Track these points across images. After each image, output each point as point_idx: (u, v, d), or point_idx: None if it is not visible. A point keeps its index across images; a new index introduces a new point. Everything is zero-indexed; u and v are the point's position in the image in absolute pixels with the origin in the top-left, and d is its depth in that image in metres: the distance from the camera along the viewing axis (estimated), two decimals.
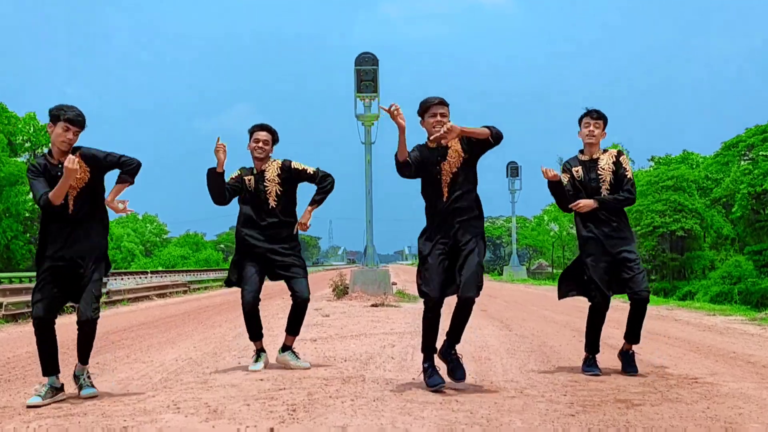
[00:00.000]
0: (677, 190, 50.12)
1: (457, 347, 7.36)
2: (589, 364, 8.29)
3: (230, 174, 8.58)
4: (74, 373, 7.12)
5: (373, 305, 19.74)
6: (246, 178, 8.57)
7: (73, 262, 6.92)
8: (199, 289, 34.20)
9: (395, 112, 7.09)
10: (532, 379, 7.86)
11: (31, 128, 59.23)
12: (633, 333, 8.33)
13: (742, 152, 50.28)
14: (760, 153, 47.11)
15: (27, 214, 54.67)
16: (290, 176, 8.60)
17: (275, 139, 8.69)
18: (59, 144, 6.86)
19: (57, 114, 6.82)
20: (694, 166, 56.57)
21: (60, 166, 6.82)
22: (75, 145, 6.95)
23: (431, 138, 7.26)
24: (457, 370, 7.20)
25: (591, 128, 8.23)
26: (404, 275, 55.38)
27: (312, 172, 8.66)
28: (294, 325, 8.65)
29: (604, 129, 8.30)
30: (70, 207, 6.90)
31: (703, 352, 9.48)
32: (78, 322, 6.98)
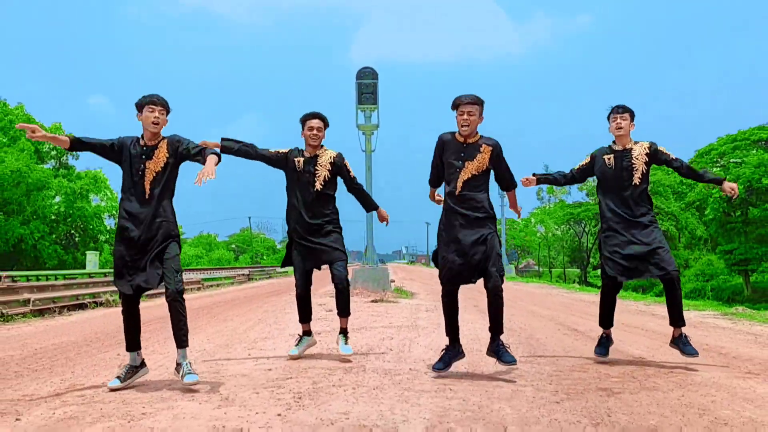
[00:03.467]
0: (654, 194, 50.25)
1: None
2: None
3: (278, 148, 8.61)
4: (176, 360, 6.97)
5: (373, 301, 19.75)
6: (296, 159, 8.53)
7: (146, 242, 6.92)
8: (212, 286, 34.11)
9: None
10: (520, 369, 7.85)
11: None
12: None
13: (714, 159, 50.49)
14: (731, 160, 47.25)
15: (53, 217, 54.72)
16: (337, 169, 8.60)
17: (326, 125, 8.65)
18: (149, 126, 6.98)
19: (140, 102, 7.00)
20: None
21: (146, 149, 7.01)
22: (164, 133, 7.13)
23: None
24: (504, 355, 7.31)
25: (618, 121, 8.23)
26: (402, 273, 55.38)
27: (352, 176, 8.74)
28: (340, 308, 8.71)
29: (632, 121, 8.28)
30: (146, 191, 6.95)
31: None
32: (166, 299, 6.89)
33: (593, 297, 24.92)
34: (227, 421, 5.38)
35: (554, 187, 69.37)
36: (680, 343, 8.07)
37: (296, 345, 8.78)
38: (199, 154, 7.01)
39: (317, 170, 8.48)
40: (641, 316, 15.25)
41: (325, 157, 8.57)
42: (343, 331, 8.75)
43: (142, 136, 7.09)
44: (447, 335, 7.64)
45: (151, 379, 7.23)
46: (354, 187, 8.80)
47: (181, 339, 6.91)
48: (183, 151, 7.07)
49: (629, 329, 12.29)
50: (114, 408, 5.86)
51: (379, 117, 25.49)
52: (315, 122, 8.55)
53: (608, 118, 8.38)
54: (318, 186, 8.47)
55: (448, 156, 7.53)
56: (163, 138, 7.12)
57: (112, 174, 61.47)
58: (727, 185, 8.27)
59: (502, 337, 7.48)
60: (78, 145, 7.05)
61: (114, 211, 58.75)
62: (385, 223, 9.05)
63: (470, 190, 7.43)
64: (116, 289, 7.23)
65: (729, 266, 47.76)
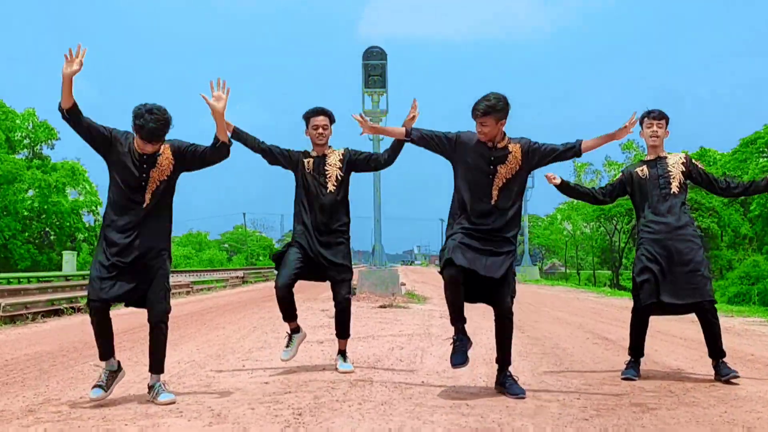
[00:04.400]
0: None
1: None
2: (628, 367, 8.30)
3: (284, 145, 8.53)
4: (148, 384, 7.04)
5: (381, 306, 19.74)
6: (305, 160, 8.48)
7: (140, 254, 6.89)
8: (202, 290, 34.14)
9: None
10: (545, 382, 7.86)
11: (30, 124, 59.32)
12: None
13: (761, 149, 50.33)
14: None
15: (26, 213, 54.80)
16: (351, 163, 8.57)
17: (332, 120, 8.60)
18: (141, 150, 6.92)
19: (139, 124, 6.72)
20: (711, 163, 56.53)
21: (147, 156, 6.92)
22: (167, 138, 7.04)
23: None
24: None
25: (654, 128, 8.22)
26: (413, 275, 55.36)
27: (366, 155, 8.66)
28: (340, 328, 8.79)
29: (666, 128, 8.28)
30: (146, 200, 6.92)
31: None
32: (150, 320, 6.91)
33: (626, 302, 24.90)
34: None
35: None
36: (718, 368, 8.05)
37: (287, 347, 8.74)
38: (209, 145, 7.06)
39: (327, 170, 8.45)
40: (679, 323, 15.16)
41: (334, 156, 8.53)
42: (342, 353, 8.80)
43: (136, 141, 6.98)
44: (455, 323, 7.29)
45: (135, 394, 7.23)
46: (379, 159, 8.62)
47: (159, 364, 6.99)
48: (189, 152, 7.09)
49: (666, 337, 12.27)
50: (93, 426, 5.87)
51: (389, 102, 25.48)
52: (320, 119, 8.49)
53: (641, 122, 8.31)
54: (331, 187, 8.42)
55: (470, 158, 7.31)
56: (165, 143, 7.06)
57: (92, 165, 61.61)
58: None
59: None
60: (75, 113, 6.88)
61: (94, 206, 58.90)
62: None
63: (505, 201, 7.28)
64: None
65: None
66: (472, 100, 7.22)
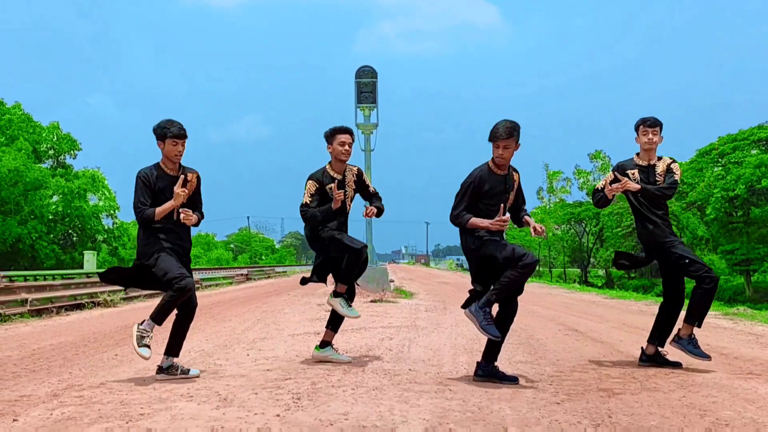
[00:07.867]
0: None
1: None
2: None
3: (308, 192, 8.21)
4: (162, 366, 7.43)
5: (372, 301, 19.72)
6: (327, 187, 8.24)
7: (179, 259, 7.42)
8: (210, 286, 34.09)
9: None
10: (520, 369, 7.85)
11: (54, 137, 59.29)
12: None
13: (715, 159, 50.48)
14: (732, 160, 47.29)
15: (51, 216, 54.73)
16: (359, 185, 8.54)
17: (354, 140, 8.49)
18: (172, 157, 7.43)
19: (163, 132, 7.34)
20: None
21: (173, 176, 7.45)
22: (192, 168, 7.67)
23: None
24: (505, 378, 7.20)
25: (650, 136, 8.11)
26: (401, 273, 55.28)
27: (372, 190, 8.67)
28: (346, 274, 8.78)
29: (660, 134, 8.19)
30: (175, 215, 7.39)
31: None
32: (192, 308, 7.47)
33: (594, 297, 24.94)
34: (226, 422, 5.38)
35: (554, 185, 69.51)
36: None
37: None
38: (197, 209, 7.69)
39: (346, 192, 8.36)
40: (642, 317, 15.24)
41: (350, 176, 8.44)
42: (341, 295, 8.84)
43: (164, 163, 7.46)
44: None
45: (150, 380, 7.22)
46: (371, 200, 8.68)
47: (181, 348, 7.53)
48: (194, 198, 7.69)
49: (630, 329, 12.29)
50: (112, 409, 5.86)
51: (378, 116, 25.53)
52: (347, 138, 8.30)
53: (636, 128, 8.23)
54: (348, 208, 8.46)
55: (490, 189, 7.18)
56: (194, 171, 7.66)
57: (110, 173, 61.63)
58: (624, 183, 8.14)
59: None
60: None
61: (112, 211, 58.91)
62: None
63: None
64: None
65: (730, 266, 47.86)
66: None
